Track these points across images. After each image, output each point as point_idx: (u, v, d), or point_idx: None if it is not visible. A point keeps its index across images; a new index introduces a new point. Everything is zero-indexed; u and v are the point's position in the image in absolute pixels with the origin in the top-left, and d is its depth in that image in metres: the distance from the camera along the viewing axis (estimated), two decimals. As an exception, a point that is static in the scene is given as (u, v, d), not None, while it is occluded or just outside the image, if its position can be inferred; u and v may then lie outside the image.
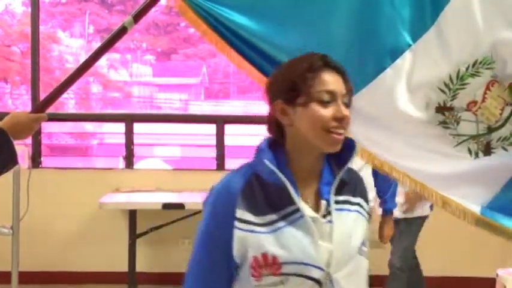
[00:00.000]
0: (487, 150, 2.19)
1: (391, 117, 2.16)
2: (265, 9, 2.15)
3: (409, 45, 2.13)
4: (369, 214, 1.75)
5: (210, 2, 2.13)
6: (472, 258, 5.42)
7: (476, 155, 2.19)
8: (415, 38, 2.13)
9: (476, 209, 2.20)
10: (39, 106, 2.29)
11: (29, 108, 2.49)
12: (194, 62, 9.44)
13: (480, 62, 2.13)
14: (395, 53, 2.13)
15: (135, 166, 5.75)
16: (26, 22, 6.29)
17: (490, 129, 2.19)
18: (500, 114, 2.17)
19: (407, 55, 2.13)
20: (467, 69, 2.13)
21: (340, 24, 2.12)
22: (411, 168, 2.18)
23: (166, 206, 4.82)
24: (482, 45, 2.12)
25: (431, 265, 4.76)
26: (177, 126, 6.17)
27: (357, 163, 2.18)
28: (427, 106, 2.16)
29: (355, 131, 2.15)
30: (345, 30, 2.12)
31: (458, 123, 2.18)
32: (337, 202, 1.64)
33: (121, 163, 5.82)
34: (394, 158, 2.18)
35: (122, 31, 2.21)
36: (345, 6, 2.12)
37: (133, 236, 4.98)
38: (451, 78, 2.14)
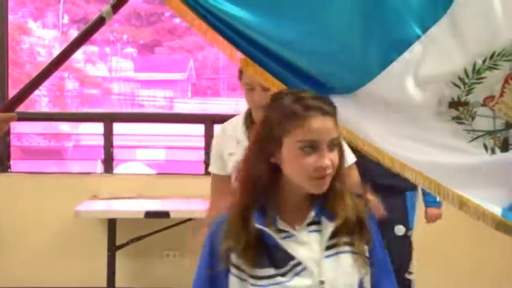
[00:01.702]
0: (504, 147, 2.21)
1: (401, 113, 2.18)
2: None
3: (418, 37, 2.13)
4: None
5: None
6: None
7: (493, 151, 2.21)
8: (424, 29, 2.13)
9: (497, 210, 2.21)
10: (8, 104, 2.28)
11: (-4, 106, 2.50)
12: (180, 56, 9.43)
13: (498, 54, 2.12)
14: (403, 45, 2.14)
15: (115, 170, 5.74)
16: (-7, 11, 6.26)
17: (508, 125, 2.20)
18: None
19: (416, 47, 2.14)
20: (484, 61, 2.13)
21: (340, 15, 2.13)
22: (424, 165, 2.20)
23: (150, 215, 4.81)
24: (501, 36, 2.11)
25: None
26: (161, 127, 6.16)
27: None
28: (440, 101, 2.18)
29: (365, 127, 2.18)
30: (346, 21, 2.13)
31: (473, 118, 2.19)
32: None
33: (99, 167, 5.81)
34: (404, 154, 2.20)
35: (100, 22, 2.20)
36: None
37: (113, 247, 4.96)
38: (466, 72, 2.14)
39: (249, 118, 2.96)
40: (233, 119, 3.09)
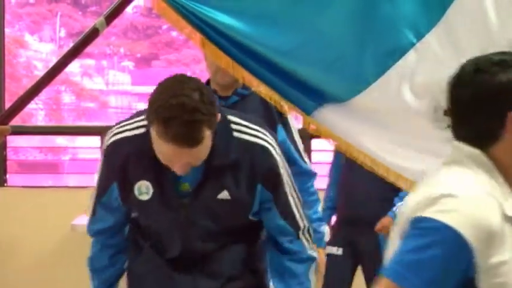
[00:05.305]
0: None
1: (397, 121, 2.18)
2: (254, 10, 2.17)
3: (413, 44, 2.14)
4: None
5: (193, 2, 2.14)
6: None
7: None
8: (419, 36, 2.14)
9: None
10: (2, 117, 2.29)
11: (-8, 120, 2.50)
12: (177, 69, 9.41)
13: None
14: (397, 53, 2.14)
15: (112, 184, 5.71)
16: (-11, 25, 6.25)
17: None
18: None
19: (411, 54, 2.14)
20: None
21: (334, 24, 2.14)
22: (420, 174, 2.20)
23: (146, 228, 4.78)
24: (497, 44, 2.11)
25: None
26: (158, 140, 6.14)
27: None
28: (436, 109, 2.17)
29: (360, 136, 2.18)
30: (340, 30, 2.14)
31: None
32: None
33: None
34: (400, 163, 2.20)
35: (93, 33, 2.21)
36: (340, 5, 2.13)
37: (110, 261, 4.93)
38: None
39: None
40: None
